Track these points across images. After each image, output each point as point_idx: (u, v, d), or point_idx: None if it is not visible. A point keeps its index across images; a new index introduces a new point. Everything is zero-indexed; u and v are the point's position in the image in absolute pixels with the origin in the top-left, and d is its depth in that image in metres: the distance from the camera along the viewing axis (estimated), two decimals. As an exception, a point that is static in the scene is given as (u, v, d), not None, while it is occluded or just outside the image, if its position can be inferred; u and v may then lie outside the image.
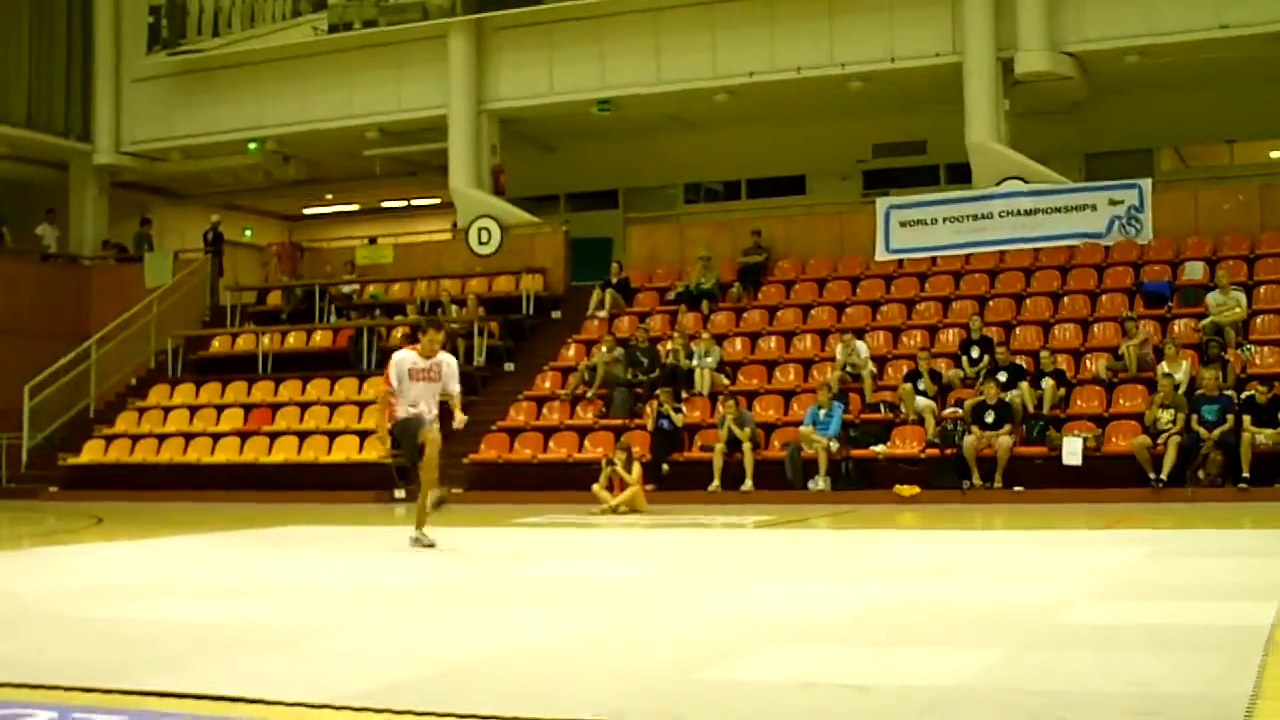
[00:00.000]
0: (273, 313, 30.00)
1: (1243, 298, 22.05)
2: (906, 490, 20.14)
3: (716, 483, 21.04)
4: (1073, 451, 19.68)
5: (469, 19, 28.71)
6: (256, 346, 28.10)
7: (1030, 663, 6.11)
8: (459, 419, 13.39)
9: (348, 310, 29.19)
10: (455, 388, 12.92)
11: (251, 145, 31.31)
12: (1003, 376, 20.98)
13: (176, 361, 28.67)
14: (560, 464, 22.29)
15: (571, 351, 25.58)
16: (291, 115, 30.53)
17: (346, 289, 29.60)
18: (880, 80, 26.67)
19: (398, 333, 26.68)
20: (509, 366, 26.00)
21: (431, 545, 12.36)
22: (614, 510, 18.43)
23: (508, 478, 22.36)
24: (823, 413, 20.96)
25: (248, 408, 26.26)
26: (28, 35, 31.57)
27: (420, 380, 12.55)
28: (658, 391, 22.39)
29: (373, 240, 32.30)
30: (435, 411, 12.71)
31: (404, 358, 12.63)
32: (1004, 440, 20.00)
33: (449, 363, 12.88)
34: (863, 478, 20.83)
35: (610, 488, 18.92)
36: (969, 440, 20.16)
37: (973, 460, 20.06)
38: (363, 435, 24.18)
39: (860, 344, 22.80)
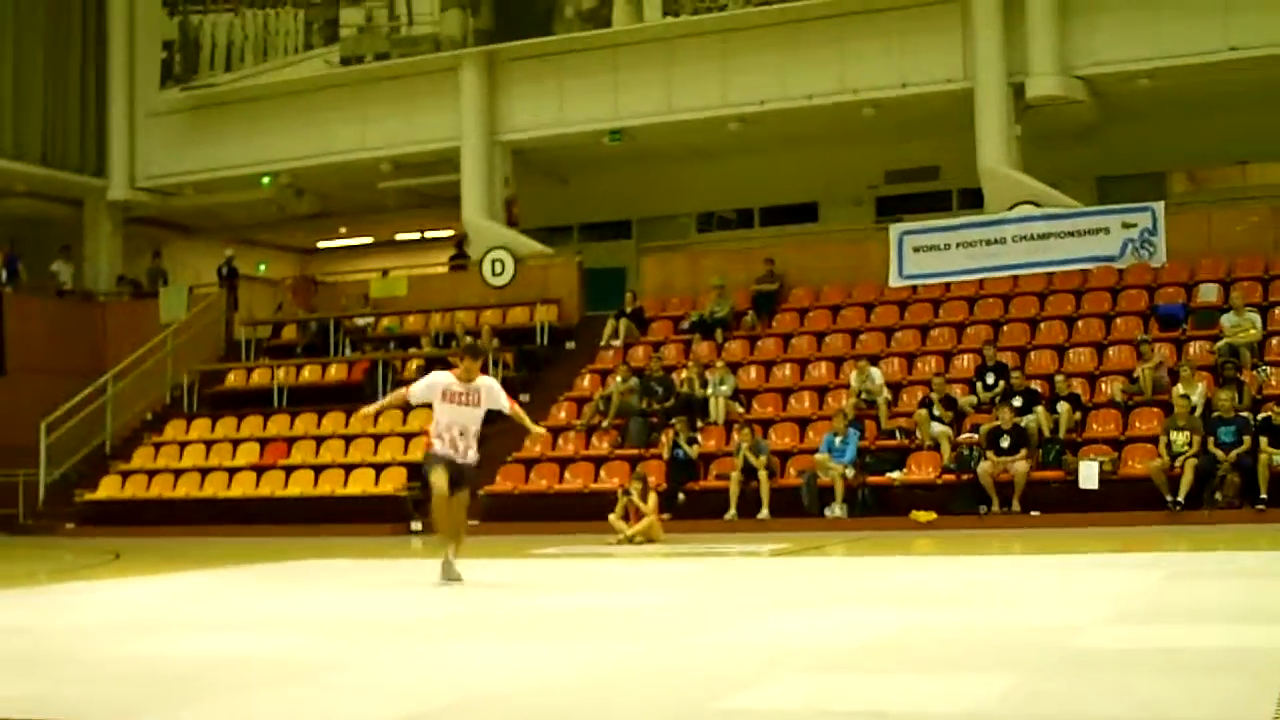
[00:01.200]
0: (288, 347, 30.05)
1: (1258, 319, 22.01)
2: (923, 516, 20.10)
3: (733, 511, 21.01)
4: (1089, 475, 19.64)
5: (481, 50, 28.83)
6: (271, 380, 28.17)
7: (1047, 688, 6.09)
8: (534, 431, 13.12)
9: (362, 343, 29.22)
10: (506, 403, 12.18)
11: (264, 179, 31.45)
12: (1018, 401, 20.96)
13: (192, 396, 28.75)
14: (576, 494, 22.28)
15: (586, 382, 25.59)
16: (304, 149, 30.64)
17: (361, 322, 29.63)
18: (892, 107, 26.71)
19: (413, 365, 26.73)
20: (524, 397, 25.86)
21: (458, 579, 11.86)
22: (630, 540, 18.40)
23: (523, 509, 22.34)
24: (838, 440, 20.93)
25: (263, 442, 26.29)
26: (43, 73, 31.77)
27: (453, 403, 11.84)
28: (673, 421, 22.39)
29: (385, 274, 32.33)
30: (473, 448, 11.99)
31: (439, 378, 12.03)
32: (1020, 465, 19.96)
33: (489, 386, 12.11)
34: (879, 504, 20.80)
35: (626, 518, 18.89)
36: (985, 465, 20.13)
37: (989, 485, 20.02)
38: (379, 468, 24.22)
39: (875, 370, 22.78)
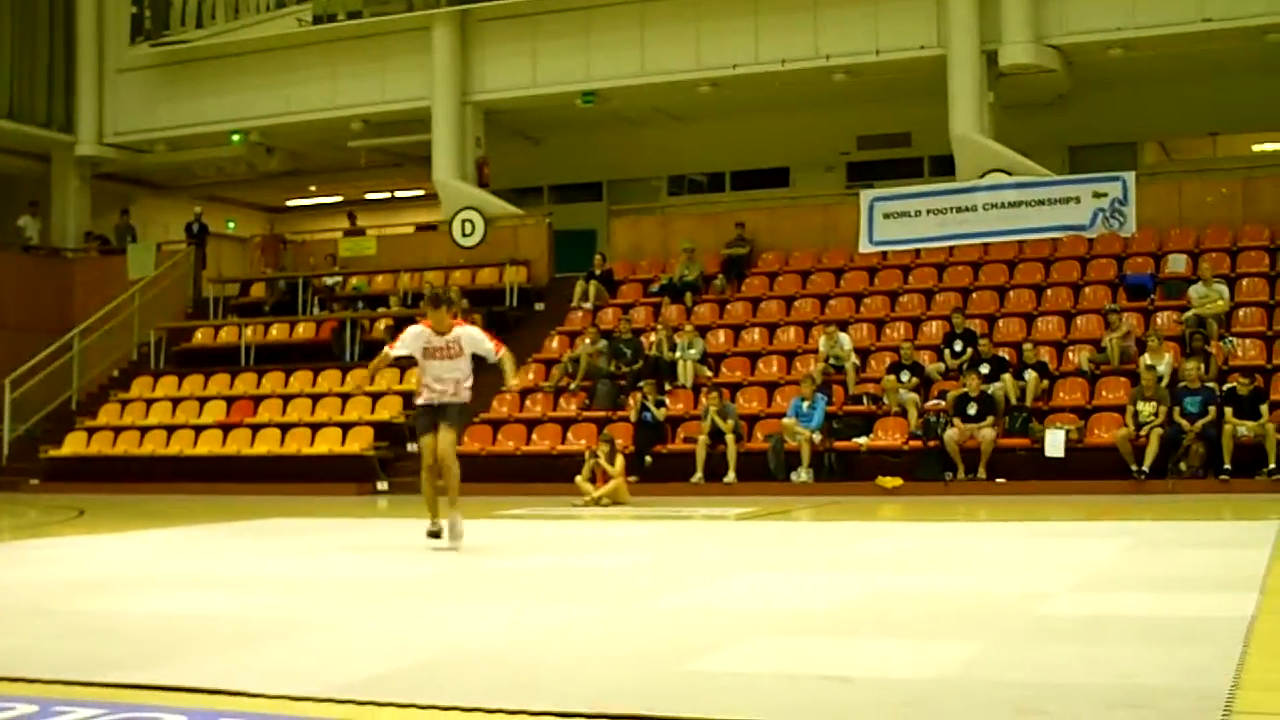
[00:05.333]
0: (256, 305, 29.94)
1: (1225, 290, 22.11)
2: (889, 482, 20.17)
3: (699, 474, 21.05)
4: (1055, 443, 19.73)
5: (453, 10, 28.62)
6: (239, 338, 28.06)
7: (1013, 655, 6.13)
8: (510, 380, 13.04)
9: (330, 302, 29.13)
10: (491, 348, 12.01)
11: (235, 137, 31.19)
12: (985, 368, 21.02)
13: (159, 353, 28.63)
14: (543, 456, 22.30)
15: (555, 343, 25.57)
16: (275, 107, 30.39)
17: (329, 281, 29.53)
18: (864, 72, 26.64)
19: (380, 325, 26.65)
20: (494, 358, 25.87)
21: (437, 535, 12.05)
22: (597, 502, 18.42)
23: (491, 470, 22.27)
24: (806, 405, 20.97)
25: (230, 400, 26.20)
26: (10, 25, 31.40)
27: (435, 358, 11.71)
28: (641, 383, 22.40)
29: (353, 218, 32.18)
30: (461, 396, 11.89)
31: (419, 332, 11.79)
32: (986, 432, 20.03)
33: (469, 334, 11.92)
34: (845, 470, 20.85)
35: (593, 480, 18.91)
36: (951, 432, 20.20)
37: (955, 452, 20.09)
38: (345, 427, 24.18)
39: (843, 336, 22.82)
